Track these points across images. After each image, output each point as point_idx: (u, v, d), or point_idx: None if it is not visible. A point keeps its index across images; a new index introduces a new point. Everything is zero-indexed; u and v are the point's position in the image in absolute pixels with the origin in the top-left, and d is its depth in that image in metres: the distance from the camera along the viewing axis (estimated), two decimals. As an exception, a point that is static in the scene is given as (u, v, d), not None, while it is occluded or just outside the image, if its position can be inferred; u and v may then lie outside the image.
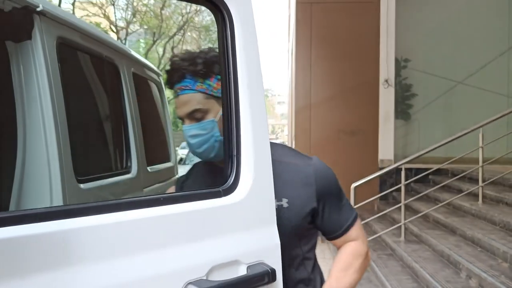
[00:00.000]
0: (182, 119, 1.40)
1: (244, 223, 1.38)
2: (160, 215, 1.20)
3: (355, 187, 6.18)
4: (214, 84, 1.39)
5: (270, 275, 1.34)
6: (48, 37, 2.00)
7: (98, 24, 16.20)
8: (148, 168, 3.03)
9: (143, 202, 1.20)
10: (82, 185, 2.13)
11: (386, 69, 8.88)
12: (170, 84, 1.41)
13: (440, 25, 9.29)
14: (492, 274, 4.24)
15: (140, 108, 2.80)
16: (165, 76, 1.61)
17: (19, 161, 1.92)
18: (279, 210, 1.46)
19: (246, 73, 1.43)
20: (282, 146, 1.60)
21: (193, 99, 1.37)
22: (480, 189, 6.36)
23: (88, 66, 2.55)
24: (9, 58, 1.94)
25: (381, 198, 8.67)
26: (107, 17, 18.33)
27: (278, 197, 1.46)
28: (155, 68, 4.04)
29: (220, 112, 1.38)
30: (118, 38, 17.68)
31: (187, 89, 1.37)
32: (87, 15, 16.64)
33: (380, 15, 8.88)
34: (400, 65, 9.29)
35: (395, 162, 7.90)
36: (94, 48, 2.57)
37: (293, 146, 9.26)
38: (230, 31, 1.42)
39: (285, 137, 40.23)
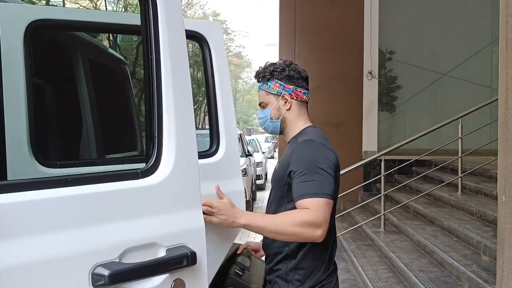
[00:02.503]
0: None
1: (165, 206, 1.35)
2: (69, 196, 1.17)
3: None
4: (272, 85, 2.00)
5: (189, 258, 1.32)
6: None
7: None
8: (107, 156, 3.00)
9: (49, 182, 1.17)
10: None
11: (370, 60, 8.83)
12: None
13: (425, 17, 9.26)
14: (465, 264, 4.25)
15: (99, 96, 2.76)
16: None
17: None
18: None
19: (169, 55, 1.41)
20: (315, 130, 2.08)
21: (260, 95, 2.06)
22: (459, 179, 6.36)
23: (38, 52, 2.51)
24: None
25: (364, 189, 8.67)
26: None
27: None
28: (119, 57, 3.99)
29: (276, 102, 2.01)
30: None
31: (260, 89, 2.05)
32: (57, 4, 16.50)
33: (364, 6, 8.84)
34: (385, 57, 9.25)
35: (378, 154, 7.88)
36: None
37: (278, 138, 9.23)
38: (153, 12, 1.40)
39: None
